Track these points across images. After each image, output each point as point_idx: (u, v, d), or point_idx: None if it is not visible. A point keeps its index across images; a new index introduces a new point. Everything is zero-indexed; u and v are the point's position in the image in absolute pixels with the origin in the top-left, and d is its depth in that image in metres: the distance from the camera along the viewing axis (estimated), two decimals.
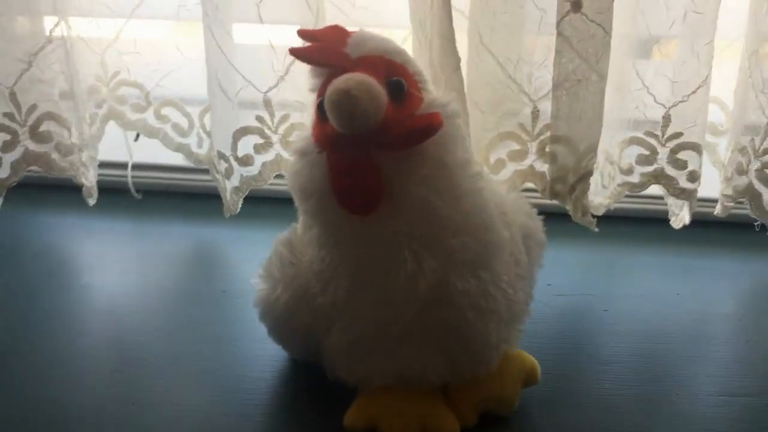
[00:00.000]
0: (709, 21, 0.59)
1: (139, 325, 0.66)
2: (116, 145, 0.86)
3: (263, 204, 0.82)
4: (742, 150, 0.64)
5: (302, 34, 0.53)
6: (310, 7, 0.63)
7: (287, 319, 0.55)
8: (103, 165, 0.87)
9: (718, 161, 0.73)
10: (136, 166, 0.88)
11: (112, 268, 0.76)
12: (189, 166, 0.85)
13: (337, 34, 0.52)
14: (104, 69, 0.78)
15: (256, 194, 0.77)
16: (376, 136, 0.48)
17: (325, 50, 0.50)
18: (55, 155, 0.71)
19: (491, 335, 0.52)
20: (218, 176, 0.72)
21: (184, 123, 0.80)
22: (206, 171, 0.84)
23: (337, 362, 0.54)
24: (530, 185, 0.71)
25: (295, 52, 0.50)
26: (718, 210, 0.72)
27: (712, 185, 0.74)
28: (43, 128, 0.70)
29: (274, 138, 0.67)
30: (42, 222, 0.85)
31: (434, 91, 0.54)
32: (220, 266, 0.79)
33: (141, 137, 0.85)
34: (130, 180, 0.86)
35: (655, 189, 0.72)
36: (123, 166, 0.87)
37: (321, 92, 0.51)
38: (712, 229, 0.82)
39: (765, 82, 0.60)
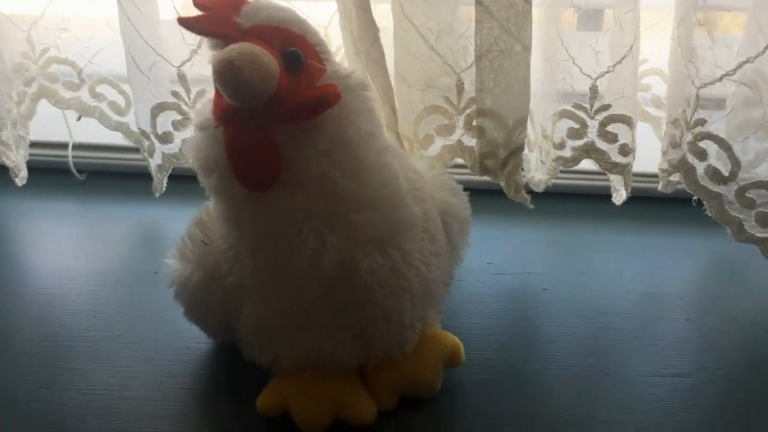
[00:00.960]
0: None
1: (62, 306, 0.65)
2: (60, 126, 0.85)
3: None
4: (675, 122, 0.62)
5: (197, 3, 0.50)
6: None
7: (200, 299, 0.54)
8: (44, 145, 0.86)
9: (661, 134, 0.71)
10: (79, 146, 0.86)
11: (46, 250, 0.75)
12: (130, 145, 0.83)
13: (232, 3, 0.50)
14: (31, 46, 0.76)
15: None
16: (269, 109, 0.46)
17: (214, 19, 0.48)
18: None
19: (404, 314, 0.51)
20: (145, 154, 0.70)
21: (120, 101, 0.78)
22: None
23: (249, 343, 0.53)
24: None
25: (183, 22, 0.48)
26: (661, 186, 0.70)
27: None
28: None
29: (192, 114, 0.65)
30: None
31: (342, 63, 0.52)
32: (157, 247, 0.77)
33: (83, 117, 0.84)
34: (70, 160, 0.85)
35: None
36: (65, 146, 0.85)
37: None
38: (657, 205, 0.81)
39: (692, 51, 0.57)
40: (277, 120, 0.47)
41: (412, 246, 0.51)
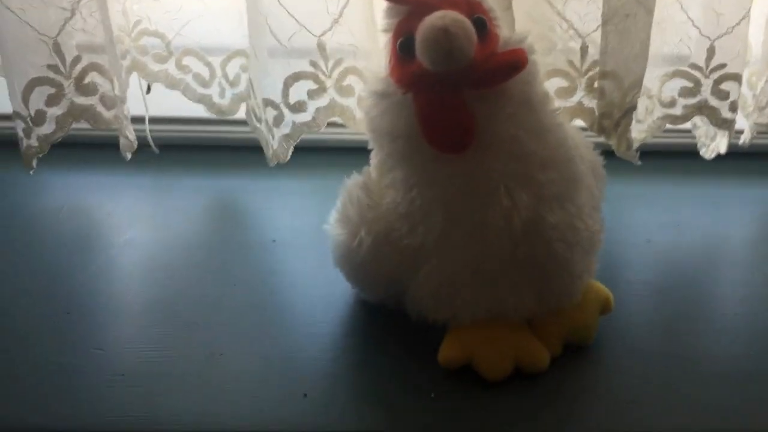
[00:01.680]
0: None
1: (201, 276, 0.66)
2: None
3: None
4: None
5: None
6: None
7: (371, 262, 0.56)
8: None
9: (746, 103, 0.75)
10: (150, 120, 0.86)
11: (152, 224, 0.75)
12: (203, 117, 0.83)
13: None
14: (126, 18, 0.75)
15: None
16: (465, 74, 0.48)
17: None
18: (100, 108, 0.68)
19: (576, 266, 0.54)
20: (259, 125, 0.71)
21: (205, 73, 0.79)
22: (224, 122, 0.85)
23: (425, 302, 0.55)
24: None
25: None
26: (745, 138, 0.75)
27: None
28: (88, 80, 0.67)
29: (329, 83, 0.67)
30: (60, 181, 0.84)
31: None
32: (262, 216, 0.79)
33: (154, 89, 0.84)
34: (148, 134, 0.84)
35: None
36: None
37: (399, 30, 0.52)
38: (736, 160, 0.85)
39: None
40: (471, 84, 0.49)
41: (583, 201, 0.54)
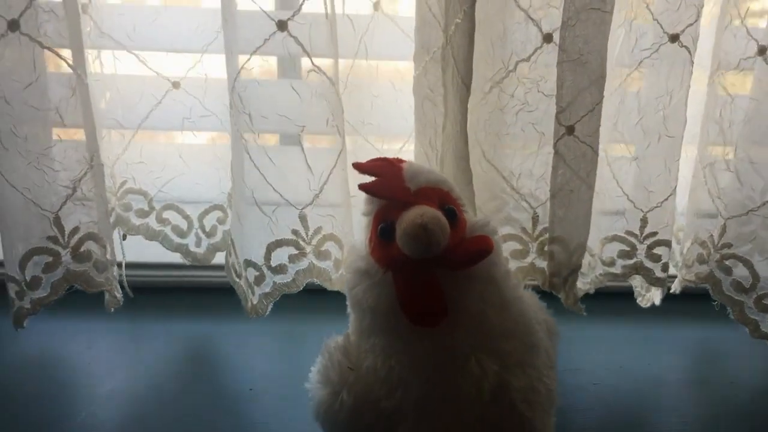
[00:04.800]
0: (677, 143, 0.72)
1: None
2: None
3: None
4: (702, 243, 0.77)
5: (359, 167, 0.60)
6: (339, 130, 0.71)
7: (351, 421, 0.60)
8: None
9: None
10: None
11: (131, 374, 0.78)
12: (178, 262, 0.88)
13: (391, 167, 0.60)
14: (113, 180, 0.81)
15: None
16: (440, 259, 0.56)
17: (389, 186, 0.58)
18: (93, 273, 0.73)
19: (537, 424, 0.60)
20: (239, 281, 0.77)
21: (183, 224, 0.85)
22: (198, 267, 0.90)
23: None
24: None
25: (367, 189, 0.58)
26: (675, 289, 0.84)
27: None
28: (84, 248, 0.72)
29: (308, 249, 0.73)
30: (38, 327, 0.86)
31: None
32: (238, 362, 0.82)
33: (130, 236, 0.89)
34: (124, 278, 0.88)
35: None
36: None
37: (379, 217, 0.59)
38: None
39: (722, 191, 0.73)
40: (446, 267, 0.56)
41: (541, 364, 0.61)
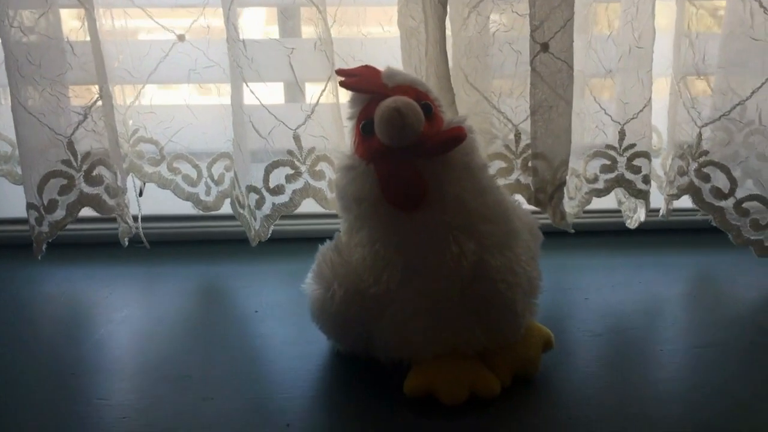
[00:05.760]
0: (647, 54, 0.76)
1: (183, 343, 0.74)
2: None
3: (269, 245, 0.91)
4: (681, 156, 0.80)
5: (340, 72, 0.65)
6: (327, 56, 0.76)
7: (343, 312, 0.64)
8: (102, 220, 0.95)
9: (655, 175, 0.89)
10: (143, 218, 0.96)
11: (145, 304, 0.84)
12: (189, 214, 0.94)
13: (370, 69, 0.65)
14: (126, 127, 0.87)
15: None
16: (416, 147, 0.60)
17: (368, 81, 0.63)
18: (105, 197, 0.79)
19: (518, 305, 0.64)
20: (243, 211, 0.82)
21: (193, 173, 0.90)
22: (208, 217, 0.95)
23: (391, 341, 0.64)
24: None
25: (346, 84, 0.63)
26: (662, 212, 0.87)
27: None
28: (95, 172, 0.78)
29: (303, 168, 0.78)
30: (61, 274, 0.92)
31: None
32: (245, 293, 0.87)
33: (146, 189, 0.95)
34: (140, 230, 0.94)
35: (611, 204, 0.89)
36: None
37: (361, 116, 0.64)
38: (656, 235, 0.98)
39: (694, 99, 0.76)
40: (421, 155, 0.61)
41: (519, 251, 0.65)
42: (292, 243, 0.95)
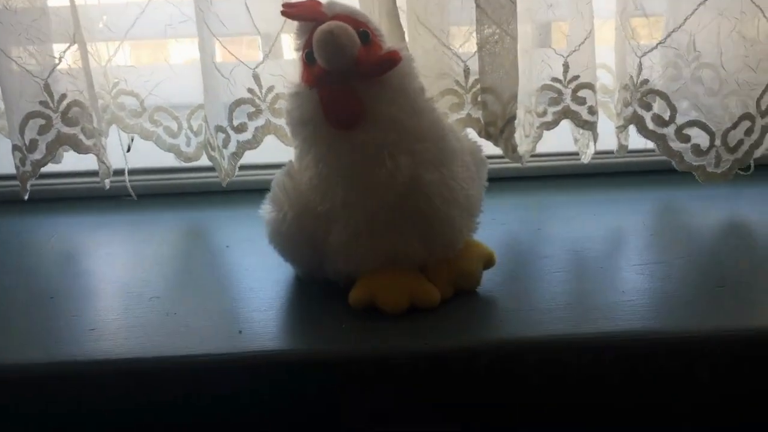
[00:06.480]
0: None
1: (158, 271, 0.80)
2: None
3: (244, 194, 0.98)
4: (625, 87, 0.84)
5: (285, 5, 0.70)
6: None
7: (295, 232, 0.69)
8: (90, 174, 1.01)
9: (612, 114, 0.93)
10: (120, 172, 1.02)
11: (128, 242, 0.90)
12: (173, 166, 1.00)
13: (313, 2, 0.69)
14: (106, 79, 0.92)
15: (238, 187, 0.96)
16: (353, 69, 0.65)
17: (308, 9, 0.68)
18: (81, 137, 0.84)
19: (455, 220, 0.68)
20: (214, 153, 0.87)
21: (173, 125, 0.95)
22: (189, 169, 1.01)
23: (339, 257, 0.68)
24: None
25: (285, 12, 0.67)
26: (615, 148, 0.90)
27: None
28: (71, 114, 0.83)
29: (263, 106, 0.83)
30: (49, 222, 0.98)
31: None
32: (219, 233, 0.93)
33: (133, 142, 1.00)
34: (128, 183, 1.00)
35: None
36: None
37: (306, 45, 0.68)
38: (615, 177, 1.02)
39: (634, 30, 0.80)
40: (357, 77, 0.65)
41: (456, 168, 0.69)
42: (265, 192, 1.00)
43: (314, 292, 0.73)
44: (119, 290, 0.75)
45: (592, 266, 0.75)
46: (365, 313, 0.67)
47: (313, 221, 0.69)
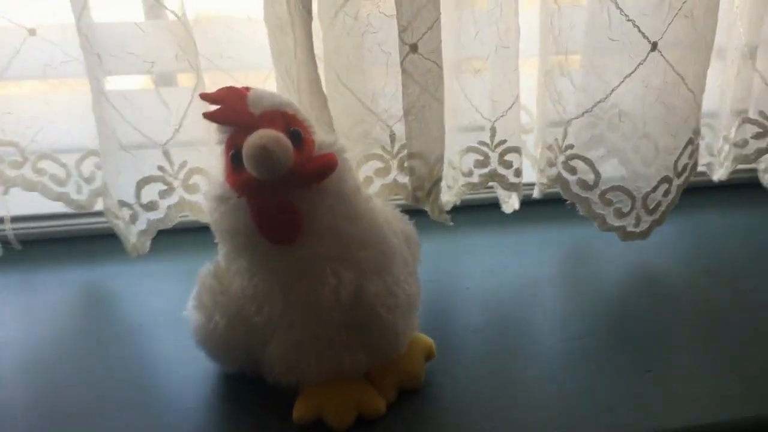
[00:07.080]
0: (513, 53, 0.76)
1: (64, 370, 0.71)
2: None
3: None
4: (549, 147, 0.83)
5: (204, 96, 0.62)
6: (191, 64, 0.72)
7: (227, 341, 0.64)
8: None
9: (529, 154, 0.92)
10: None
11: (23, 322, 0.79)
12: (65, 212, 0.89)
13: (234, 93, 0.62)
14: None
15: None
16: (287, 179, 0.59)
17: (233, 111, 0.60)
18: None
19: (398, 325, 0.65)
20: (118, 222, 0.78)
21: (61, 173, 0.85)
22: (84, 215, 0.91)
23: (277, 368, 0.64)
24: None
25: (210, 116, 0.60)
26: (536, 193, 0.90)
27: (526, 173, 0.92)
28: None
29: (176, 183, 0.75)
30: None
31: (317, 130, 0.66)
32: (128, 303, 0.84)
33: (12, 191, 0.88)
34: (9, 232, 0.88)
35: None
36: None
37: (229, 144, 0.61)
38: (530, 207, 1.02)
39: (560, 94, 0.78)
40: (293, 186, 0.59)
41: (399, 271, 0.66)
42: (188, 232, 0.92)
43: (249, 392, 0.67)
44: (26, 402, 0.66)
45: (521, 341, 0.74)
46: (310, 428, 0.63)
47: (248, 331, 0.63)
